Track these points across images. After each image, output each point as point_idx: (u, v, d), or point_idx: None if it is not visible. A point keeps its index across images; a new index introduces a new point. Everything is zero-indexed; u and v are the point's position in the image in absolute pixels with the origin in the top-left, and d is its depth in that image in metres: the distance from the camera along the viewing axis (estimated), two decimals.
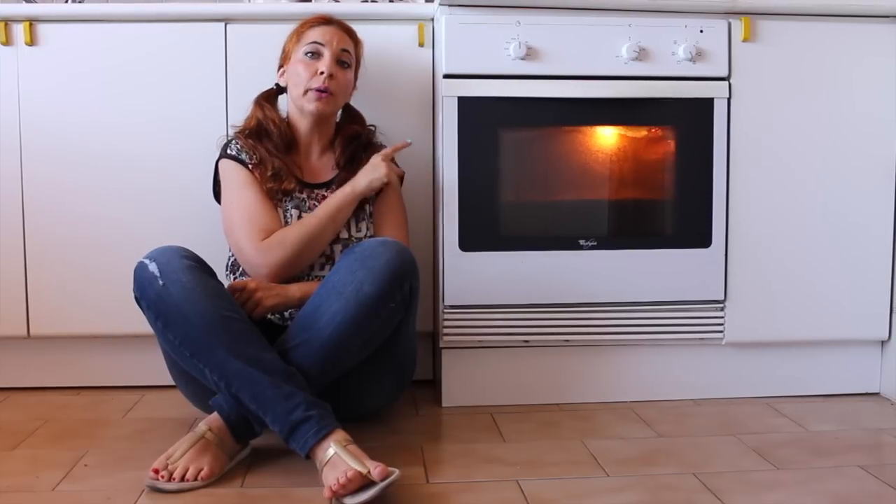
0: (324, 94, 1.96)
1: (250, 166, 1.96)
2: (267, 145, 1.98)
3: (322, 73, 1.95)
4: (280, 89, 2.08)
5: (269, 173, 1.94)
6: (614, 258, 2.13)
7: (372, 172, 1.97)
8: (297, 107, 2.01)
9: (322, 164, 2.06)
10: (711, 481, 1.65)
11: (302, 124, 2.03)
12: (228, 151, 1.99)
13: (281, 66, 2.05)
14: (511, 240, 2.12)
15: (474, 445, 1.87)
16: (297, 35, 2.01)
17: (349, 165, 2.03)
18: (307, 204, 1.98)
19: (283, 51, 2.05)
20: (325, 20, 2.01)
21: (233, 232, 1.94)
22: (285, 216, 1.96)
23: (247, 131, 2.01)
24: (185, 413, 2.02)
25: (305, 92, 1.96)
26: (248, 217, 1.91)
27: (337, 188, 2.00)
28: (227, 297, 1.75)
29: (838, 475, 1.69)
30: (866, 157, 2.19)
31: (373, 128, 2.12)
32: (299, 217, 1.95)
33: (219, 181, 2.02)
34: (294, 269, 1.90)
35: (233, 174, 1.97)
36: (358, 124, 2.10)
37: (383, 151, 2.02)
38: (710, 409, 2.14)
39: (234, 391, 1.67)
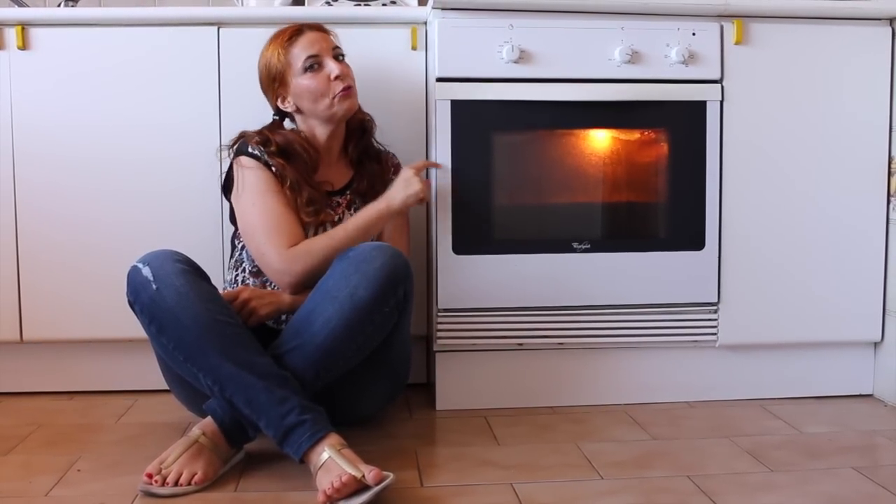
0: (348, 91, 1.95)
1: (274, 170, 1.93)
2: (299, 169, 1.94)
3: (336, 76, 1.93)
4: (283, 117, 2.05)
5: (307, 208, 1.91)
6: (608, 261, 2.13)
7: (406, 188, 1.94)
8: (322, 118, 1.98)
9: (340, 169, 2.06)
10: (705, 483, 1.66)
11: (321, 134, 2.01)
12: (250, 150, 1.94)
13: (278, 95, 2.00)
14: (505, 243, 2.12)
15: (468, 449, 1.87)
16: (283, 56, 1.95)
17: (364, 160, 2.04)
18: (334, 217, 1.98)
19: (274, 79, 1.98)
20: (298, 30, 1.97)
21: (255, 237, 1.91)
22: (305, 228, 1.94)
23: (271, 148, 1.94)
24: (179, 417, 2.01)
25: (332, 101, 1.95)
26: (274, 224, 1.88)
27: (352, 195, 2.00)
28: (220, 302, 1.75)
29: (832, 477, 1.70)
30: (858, 158, 2.19)
31: (370, 116, 2.10)
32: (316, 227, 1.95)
33: (232, 177, 1.98)
34: (317, 280, 1.85)
35: (255, 176, 1.92)
36: (360, 112, 2.08)
37: (414, 165, 2.00)
38: (703, 412, 2.14)
39: (227, 395, 1.66)
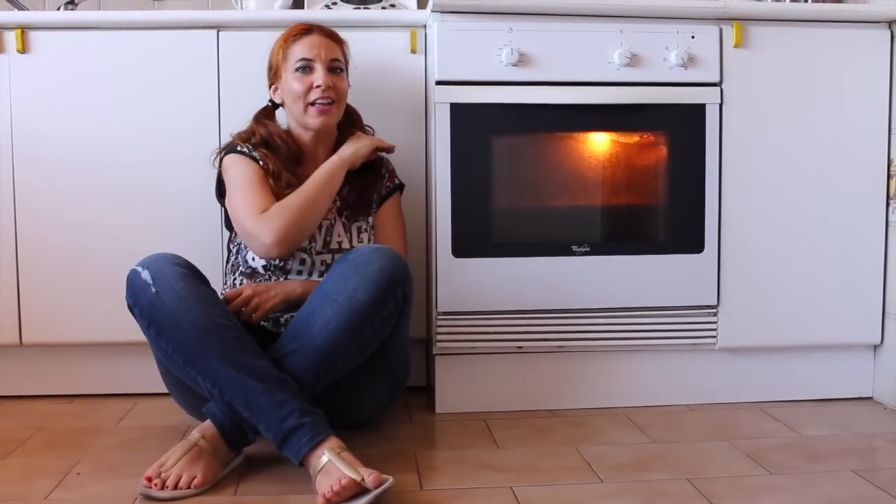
0: (326, 107, 1.95)
1: (261, 163, 1.94)
2: (280, 158, 1.96)
3: (318, 86, 1.94)
4: (276, 105, 2.07)
5: (286, 190, 1.91)
6: (607, 264, 2.13)
7: (357, 142, 2.00)
8: (297, 121, 2.00)
9: None
10: (705, 486, 1.65)
11: (305, 136, 2.02)
12: (239, 149, 1.97)
13: (272, 84, 2.04)
14: (504, 246, 2.12)
15: (468, 452, 1.87)
16: (283, 50, 1.98)
17: (353, 172, 2.02)
18: None
19: (271, 67, 2.03)
20: (306, 29, 1.99)
21: (241, 221, 1.89)
22: None
23: (254, 140, 1.99)
24: (178, 421, 2.01)
25: (306, 108, 1.96)
26: (253, 200, 1.88)
27: (341, 202, 2.01)
28: (220, 305, 1.75)
29: (832, 479, 1.70)
30: (857, 161, 2.20)
31: (370, 129, 2.12)
32: None
33: (222, 179, 2.00)
34: (300, 235, 1.86)
35: (242, 166, 1.94)
36: (357, 126, 2.09)
37: (370, 137, 2.07)
38: (703, 414, 2.14)
39: (227, 399, 1.66)
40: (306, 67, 1.95)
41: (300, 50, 1.96)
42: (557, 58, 2.09)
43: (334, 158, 1.96)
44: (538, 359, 2.16)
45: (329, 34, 2.01)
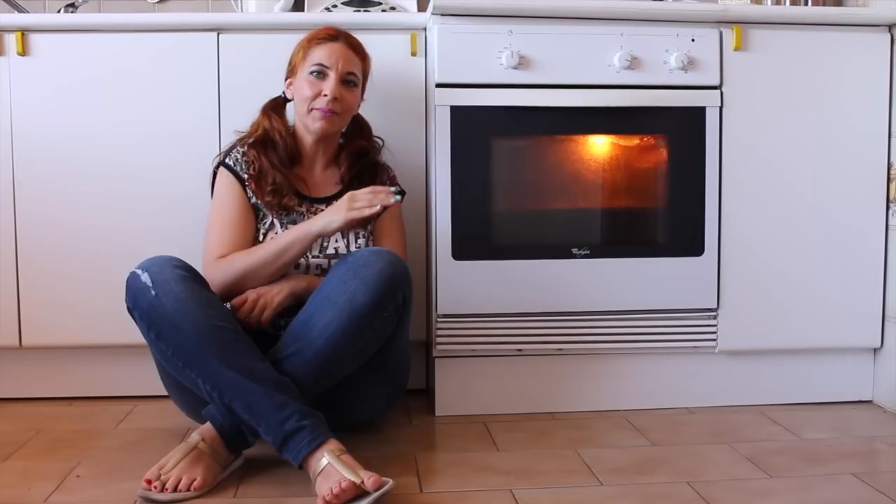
0: (328, 114, 1.95)
1: (245, 177, 1.96)
2: (271, 157, 1.97)
3: (325, 94, 1.94)
4: (287, 99, 2.08)
5: (268, 188, 1.94)
6: (607, 267, 2.13)
7: (331, 216, 1.84)
8: (301, 122, 2.01)
9: (326, 178, 2.06)
10: (705, 489, 1.65)
11: (307, 137, 2.03)
12: (227, 160, 1.99)
13: (287, 78, 2.05)
14: (504, 249, 2.12)
15: (468, 454, 1.87)
16: (304, 50, 1.99)
17: (354, 183, 2.01)
18: (305, 218, 1.97)
19: (291, 62, 2.04)
20: (332, 36, 1.99)
21: (203, 247, 1.95)
22: (270, 230, 1.95)
23: (251, 139, 2.00)
24: (178, 423, 2.01)
25: (310, 110, 1.96)
26: (218, 230, 1.94)
27: None
28: (219, 307, 1.75)
29: (831, 483, 1.70)
30: (857, 164, 2.20)
31: (380, 140, 2.12)
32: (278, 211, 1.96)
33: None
34: (231, 294, 1.88)
35: (221, 183, 1.99)
36: (364, 138, 2.10)
37: (364, 191, 1.84)
38: (703, 417, 2.14)
39: (227, 401, 1.66)
40: (321, 73, 1.96)
41: (319, 54, 1.97)
42: (557, 60, 2.09)
43: (302, 228, 1.87)
44: (538, 362, 2.16)
45: (354, 46, 2.01)
